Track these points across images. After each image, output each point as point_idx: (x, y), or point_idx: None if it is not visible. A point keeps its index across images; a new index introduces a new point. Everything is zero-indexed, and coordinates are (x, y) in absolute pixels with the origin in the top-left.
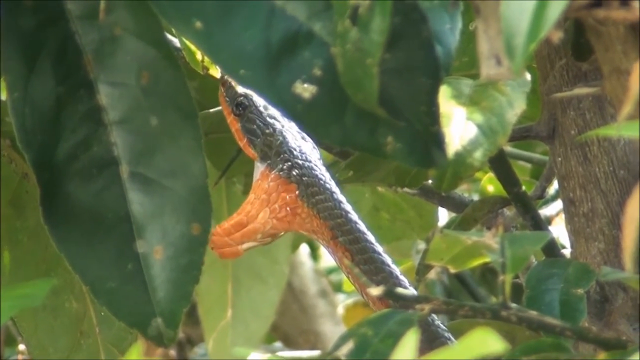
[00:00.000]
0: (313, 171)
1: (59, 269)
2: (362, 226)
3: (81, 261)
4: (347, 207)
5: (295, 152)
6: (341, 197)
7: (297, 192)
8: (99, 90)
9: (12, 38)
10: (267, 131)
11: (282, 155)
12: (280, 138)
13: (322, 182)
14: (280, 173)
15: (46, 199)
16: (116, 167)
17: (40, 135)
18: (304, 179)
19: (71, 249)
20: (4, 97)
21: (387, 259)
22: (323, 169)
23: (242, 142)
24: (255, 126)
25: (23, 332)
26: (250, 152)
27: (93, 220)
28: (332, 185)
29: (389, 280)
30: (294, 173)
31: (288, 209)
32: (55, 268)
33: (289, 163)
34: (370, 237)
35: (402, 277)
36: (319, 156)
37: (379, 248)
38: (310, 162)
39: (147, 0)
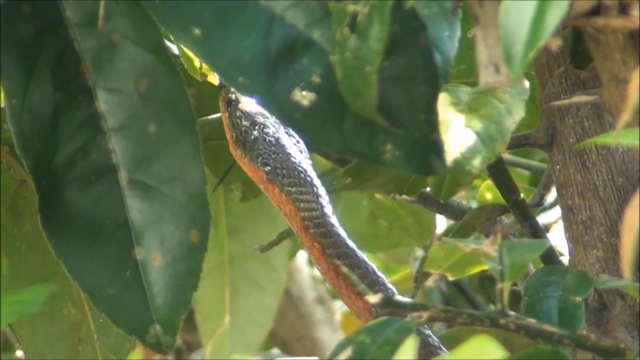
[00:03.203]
0: (291, 163)
1: (57, 276)
2: (335, 220)
3: (79, 268)
4: (324, 201)
5: (271, 145)
6: (321, 192)
7: (268, 177)
8: (98, 97)
9: (10, 45)
10: (247, 124)
11: (257, 148)
12: (260, 131)
13: (301, 174)
14: (253, 163)
15: (44, 206)
16: (115, 173)
17: (38, 141)
18: (277, 170)
19: (69, 256)
20: (2, 104)
21: (362, 256)
22: (305, 162)
23: (228, 137)
24: (237, 120)
25: (21, 339)
26: (233, 146)
27: (91, 227)
28: (312, 178)
29: (366, 276)
30: (267, 163)
31: (261, 187)
32: (54, 275)
33: (264, 156)
34: (343, 233)
35: (379, 274)
36: (302, 150)
37: (352, 245)
38: (289, 155)
39: (146, 7)
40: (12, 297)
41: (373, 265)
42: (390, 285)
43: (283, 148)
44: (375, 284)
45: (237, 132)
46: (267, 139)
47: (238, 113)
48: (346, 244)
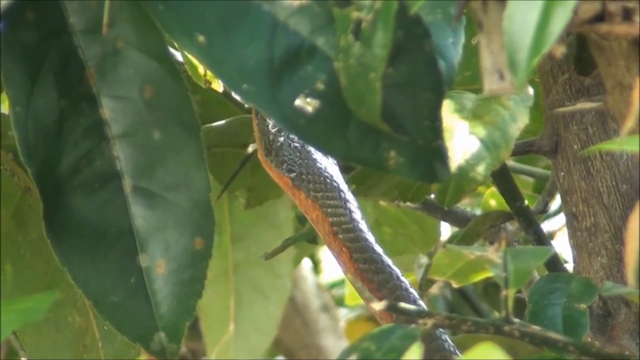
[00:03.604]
0: (317, 169)
1: (61, 283)
2: (364, 225)
3: (84, 275)
4: (352, 206)
5: (297, 151)
6: (348, 197)
7: (294, 183)
8: (102, 104)
9: (14, 52)
10: (274, 130)
11: (282, 155)
12: (286, 137)
13: (327, 180)
14: (278, 169)
15: (49, 213)
16: (119, 181)
17: (42, 149)
18: (303, 176)
19: (74, 263)
20: (6, 110)
21: (388, 261)
22: (332, 168)
23: (257, 145)
24: (265, 127)
25: (25, 346)
26: (261, 152)
27: (96, 234)
28: (339, 184)
29: (389, 281)
30: (292, 169)
31: (288, 193)
32: (58, 282)
33: (289, 162)
34: (371, 238)
35: (403, 279)
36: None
37: (379, 249)
38: (315, 161)
39: (150, 14)
40: (16, 305)
41: (397, 270)
42: (412, 291)
43: (309, 154)
44: (397, 289)
45: (265, 139)
46: (293, 145)
47: (266, 120)
48: (373, 248)
